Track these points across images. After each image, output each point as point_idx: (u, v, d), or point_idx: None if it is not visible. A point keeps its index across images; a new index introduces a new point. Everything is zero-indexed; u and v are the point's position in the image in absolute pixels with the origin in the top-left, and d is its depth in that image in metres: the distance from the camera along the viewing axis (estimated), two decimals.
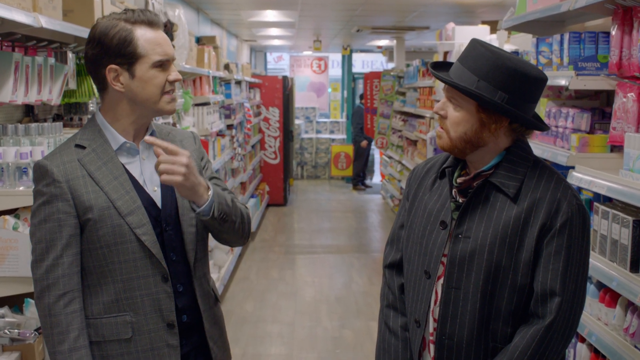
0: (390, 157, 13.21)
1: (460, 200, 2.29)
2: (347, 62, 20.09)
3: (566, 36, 3.45)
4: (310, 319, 6.92)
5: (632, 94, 3.01)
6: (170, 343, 2.35)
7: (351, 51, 19.23)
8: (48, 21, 2.87)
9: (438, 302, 2.29)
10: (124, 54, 2.24)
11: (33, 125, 2.96)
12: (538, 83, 2.18)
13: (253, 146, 12.40)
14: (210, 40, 9.09)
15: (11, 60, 2.82)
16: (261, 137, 13.68)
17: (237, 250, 8.77)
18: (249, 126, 11.24)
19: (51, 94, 3.25)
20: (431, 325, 2.32)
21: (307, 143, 17.67)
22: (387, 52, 18.69)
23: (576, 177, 3.20)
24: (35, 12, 2.84)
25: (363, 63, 24.55)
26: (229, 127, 9.59)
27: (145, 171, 2.37)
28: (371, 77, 15.01)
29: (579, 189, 3.43)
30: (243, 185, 10.75)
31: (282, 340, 6.35)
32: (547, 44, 3.76)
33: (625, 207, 2.98)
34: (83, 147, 2.30)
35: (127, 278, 2.29)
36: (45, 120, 3.82)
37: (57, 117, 4.00)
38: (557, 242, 2.15)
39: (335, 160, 16.81)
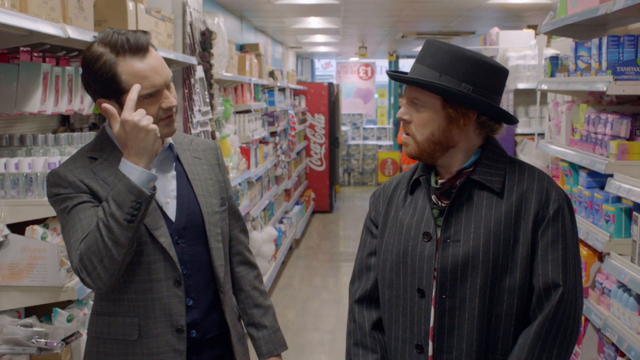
0: None
1: (443, 204, 2.16)
2: (393, 68, 20.02)
3: (604, 40, 3.35)
4: None
5: None
6: (176, 348, 2.29)
7: (397, 57, 19.15)
8: (76, 32, 2.87)
9: (434, 317, 2.14)
10: (109, 90, 2.15)
11: (62, 135, 2.98)
12: (500, 73, 2.12)
13: (298, 153, 12.40)
14: (253, 47, 9.11)
15: (39, 71, 2.84)
16: (307, 143, 13.68)
17: (280, 257, 8.76)
18: (293, 133, 11.24)
19: (82, 104, 3.26)
20: (430, 347, 2.15)
21: (353, 149, 17.64)
22: None
23: (614, 185, 3.11)
24: (64, 23, 2.85)
25: None
26: (273, 134, 9.61)
27: (158, 183, 2.25)
28: None
29: (618, 198, 3.32)
30: (287, 192, 10.75)
31: (322, 348, 6.30)
32: (585, 48, 3.66)
33: None
34: (95, 159, 2.25)
35: (140, 280, 2.25)
36: (81, 130, 3.84)
37: (93, 126, 4.03)
38: (552, 231, 2.08)
39: (382, 166, 16.72)
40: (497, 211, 2.09)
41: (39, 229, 2.81)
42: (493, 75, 2.10)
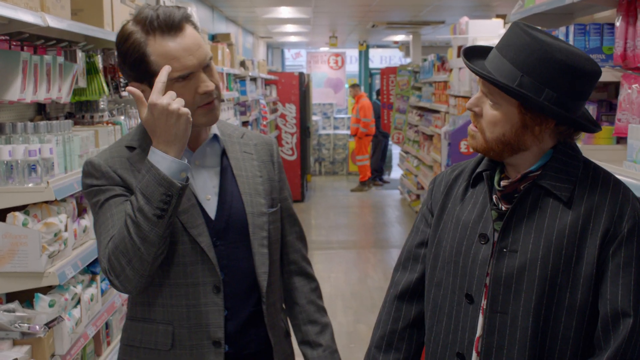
0: (407, 152, 13.22)
1: (504, 208, 1.96)
2: (363, 57, 20.11)
3: (571, 28, 3.45)
4: None
5: (636, 85, 3.00)
6: None
7: (368, 47, 19.29)
8: (55, 20, 2.91)
9: (483, 331, 1.94)
10: (140, 72, 2.00)
11: (42, 123, 3.01)
12: (592, 78, 1.86)
13: None
14: (225, 37, 9.15)
15: (19, 60, 2.87)
16: (278, 133, 13.73)
17: None
18: (264, 122, 11.30)
19: (60, 92, 3.29)
20: (473, 358, 1.96)
21: (324, 139, 17.72)
22: (404, 47, 18.69)
23: None
24: (42, 12, 2.88)
25: (381, 58, 24.56)
26: (245, 123, 9.66)
27: (198, 177, 2.13)
28: (387, 73, 15.03)
29: None
30: None
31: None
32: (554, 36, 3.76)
33: None
34: (133, 148, 2.10)
35: (175, 284, 2.08)
36: (57, 119, 3.87)
37: (69, 115, 4.06)
38: (625, 252, 1.84)
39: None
40: (562, 222, 1.88)
41: (20, 216, 2.84)
42: (583, 81, 1.85)
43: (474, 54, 2.00)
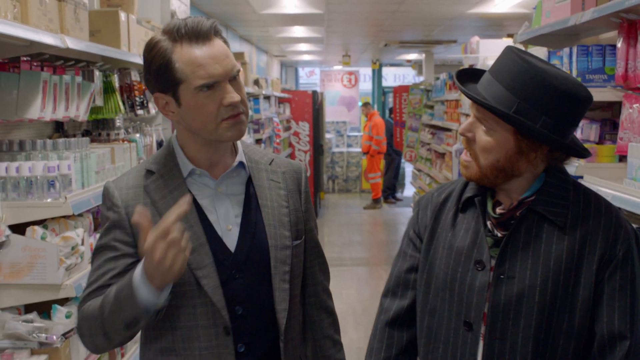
0: (419, 170, 13.28)
1: (500, 234, 1.94)
2: (377, 76, 20.23)
3: (574, 49, 3.53)
4: None
5: (637, 104, 3.08)
6: None
7: (381, 65, 19.40)
8: (74, 42, 3.02)
9: (482, 358, 1.93)
10: (164, 80, 1.94)
11: (60, 140, 3.12)
12: (586, 104, 1.88)
13: None
14: (239, 56, 9.27)
15: (39, 80, 2.98)
16: (291, 151, 13.83)
17: None
18: (278, 140, 11.40)
19: (78, 111, 3.41)
20: None
21: (338, 157, 17.78)
22: (417, 65, 18.79)
23: None
24: (62, 34, 3.00)
25: (395, 77, 24.67)
26: (258, 141, 9.77)
27: (220, 206, 2.04)
28: (400, 91, 15.12)
29: None
30: None
31: None
32: (558, 57, 3.84)
33: (630, 215, 3.06)
34: (152, 173, 2.04)
35: (186, 326, 2.00)
36: (74, 136, 3.98)
37: (86, 133, 4.17)
38: (621, 275, 1.87)
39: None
40: (558, 248, 1.89)
41: (38, 230, 2.94)
42: (578, 107, 1.86)
43: (467, 77, 1.99)
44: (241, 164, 2.09)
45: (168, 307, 1.94)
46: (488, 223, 1.97)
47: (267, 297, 2.04)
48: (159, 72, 1.94)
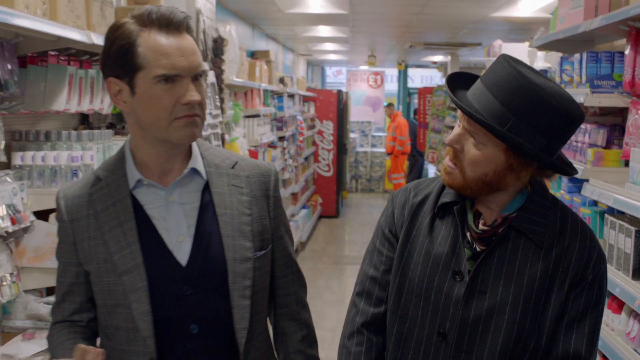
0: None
1: (479, 249, 1.89)
2: (402, 77, 20.29)
3: (584, 55, 3.62)
4: None
5: None
6: None
7: (406, 66, 19.44)
8: (99, 38, 3.16)
9: None
10: (122, 63, 1.78)
11: (84, 132, 3.26)
12: (578, 123, 1.83)
13: (306, 158, 12.67)
14: (264, 54, 9.40)
15: (66, 73, 3.13)
16: (315, 149, 13.95)
17: None
18: (301, 138, 11.52)
19: (102, 104, 3.55)
20: None
21: (361, 157, 17.87)
22: (442, 67, 18.83)
23: (589, 189, 3.37)
24: (88, 30, 3.14)
25: (422, 78, 24.65)
26: (281, 139, 9.89)
27: (171, 216, 1.89)
28: (424, 93, 15.18)
29: (595, 202, 3.59)
30: (294, 196, 11.02)
31: (322, 344, 6.53)
32: (569, 63, 3.93)
33: (632, 219, 3.14)
34: (100, 180, 1.93)
35: (121, 350, 1.90)
36: (99, 128, 4.12)
37: (110, 126, 4.31)
38: (586, 298, 1.86)
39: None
40: (533, 267, 1.85)
41: None
42: (571, 126, 1.81)
43: (458, 83, 1.94)
44: (194, 170, 1.93)
45: (107, 326, 1.90)
46: (467, 234, 1.91)
47: (226, 314, 1.90)
48: (119, 55, 1.78)
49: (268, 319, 2.12)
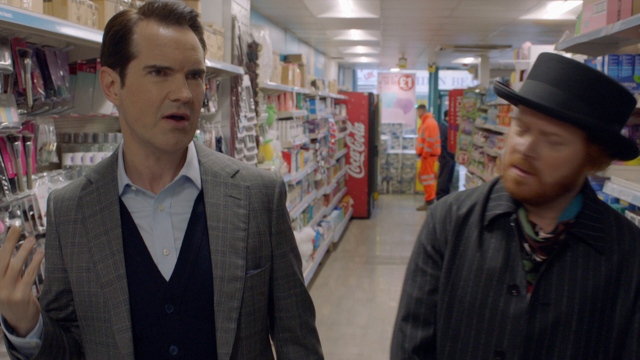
0: (472, 173, 13.46)
1: (539, 259, 1.81)
2: (433, 79, 20.40)
3: (606, 58, 3.75)
4: (383, 323, 7.27)
5: None
6: None
7: (437, 69, 19.56)
8: None
9: None
10: (116, 51, 1.67)
11: None
12: (635, 106, 1.81)
13: (338, 160, 12.84)
14: (296, 58, 9.59)
15: None
16: (346, 151, 14.10)
17: (317, 259, 9.21)
18: (333, 140, 11.69)
19: None
20: None
21: (393, 158, 17.98)
22: (473, 69, 18.91)
23: (610, 187, 3.50)
24: None
25: (453, 80, 24.77)
26: (313, 141, 10.07)
27: (158, 227, 1.74)
28: (455, 95, 15.30)
29: (617, 199, 3.71)
30: (326, 197, 11.19)
31: (354, 341, 6.73)
32: (592, 65, 4.06)
33: None
34: (91, 183, 1.80)
35: None
36: None
37: None
38: None
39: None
40: (597, 274, 1.78)
41: None
42: (632, 109, 1.80)
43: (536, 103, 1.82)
44: (185, 178, 1.78)
45: (87, 340, 1.79)
46: (526, 246, 1.83)
47: (208, 337, 1.75)
48: (113, 41, 1.68)
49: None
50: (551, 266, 1.80)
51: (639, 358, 1.79)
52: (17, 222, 2.63)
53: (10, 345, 1.71)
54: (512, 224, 1.85)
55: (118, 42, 1.67)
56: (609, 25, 3.64)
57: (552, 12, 9.07)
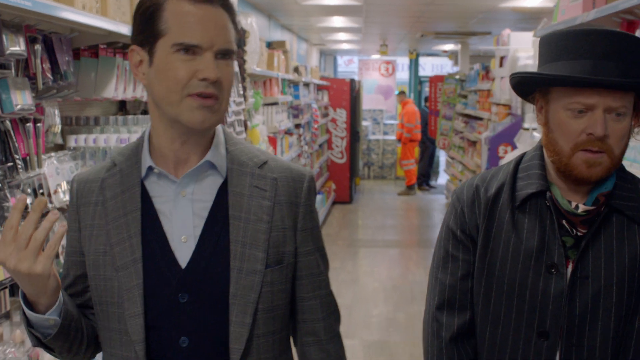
0: (452, 158, 13.68)
1: (580, 233, 1.80)
2: (414, 65, 20.60)
3: None
4: (367, 303, 7.49)
5: None
6: None
7: (417, 55, 19.74)
8: None
9: None
10: (146, 28, 1.62)
11: (129, 117, 3.64)
12: None
13: (320, 145, 13.00)
14: (280, 45, 9.74)
15: (114, 64, 3.49)
16: (328, 137, 14.24)
17: None
18: (316, 126, 11.86)
19: (143, 92, 3.91)
20: None
21: (374, 144, 18.11)
22: (453, 56, 19.12)
23: None
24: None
25: (433, 66, 24.95)
26: (297, 126, 10.24)
27: (178, 212, 1.69)
28: (435, 81, 15.50)
29: None
30: None
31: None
32: None
33: None
34: (115, 165, 1.76)
35: (117, 355, 1.73)
36: (135, 114, 4.49)
37: (144, 112, 4.68)
38: None
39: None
40: (633, 243, 1.79)
41: None
42: None
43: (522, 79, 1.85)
44: (209, 164, 1.72)
45: (101, 328, 1.76)
46: (564, 222, 1.81)
47: (221, 330, 1.68)
48: (143, 18, 1.64)
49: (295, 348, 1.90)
50: (594, 238, 1.79)
51: None
52: (29, 200, 2.79)
53: (28, 323, 1.67)
54: (548, 203, 1.82)
55: (148, 19, 1.62)
56: (584, 14, 3.83)
57: (531, 0, 9.28)
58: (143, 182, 1.72)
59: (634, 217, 1.79)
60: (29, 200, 2.78)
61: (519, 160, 1.94)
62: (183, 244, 1.68)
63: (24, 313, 1.67)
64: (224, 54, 1.64)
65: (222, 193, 1.71)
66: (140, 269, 1.67)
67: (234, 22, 1.70)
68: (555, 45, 1.78)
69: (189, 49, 1.60)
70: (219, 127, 1.77)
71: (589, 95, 1.71)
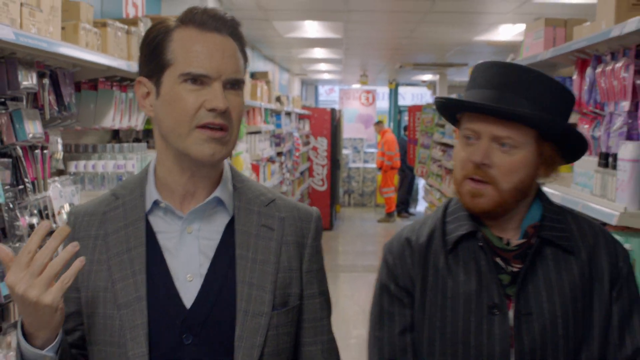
0: (431, 186, 13.97)
1: (515, 268, 1.75)
2: (393, 95, 20.97)
3: None
4: (347, 325, 7.71)
5: (587, 125, 3.84)
6: None
7: (397, 85, 20.08)
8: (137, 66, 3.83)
9: None
10: (152, 59, 1.60)
11: (125, 144, 3.93)
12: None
13: (302, 173, 13.22)
14: (263, 75, 10.04)
15: (112, 96, 3.79)
16: (309, 165, 14.46)
17: None
18: (297, 154, 12.12)
19: (137, 122, 4.21)
20: None
21: (354, 172, 18.23)
22: (432, 86, 19.51)
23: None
24: (129, 60, 3.80)
25: (413, 96, 25.29)
26: (279, 154, 10.49)
27: (184, 250, 1.63)
28: (414, 110, 15.83)
29: None
30: None
31: None
32: None
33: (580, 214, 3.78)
34: (117, 198, 1.70)
35: None
36: (127, 141, 4.78)
37: (135, 140, 4.97)
38: (628, 292, 1.78)
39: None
40: (570, 274, 1.75)
41: None
42: (573, 105, 1.81)
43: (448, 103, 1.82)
44: (218, 200, 1.67)
45: None
46: (498, 260, 1.77)
47: None
48: (150, 49, 1.61)
49: None
50: (532, 273, 1.75)
51: (620, 349, 1.76)
52: (35, 220, 3.07)
53: (22, 356, 1.55)
54: (481, 243, 1.78)
55: (154, 50, 1.59)
56: (544, 51, 4.18)
57: (504, 34, 9.64)
58: (147, 217, 1.67)
59: (567, 247, 1.76)
60: (35, 220, 3.06)
61: (447, 204, 1.92)
62: (188, 282, 1.61)
63: (18, 346, 1.56)
64: (233, 84, 1.61)
65: (229, 231, 1.66)
66: (144, 308, 1.59)
67: (243, 52, 1.67)
68: (473, 75, 1.81)
69: (197, 79, 1.56)
70: (226, 162, 1.73)
71: (475, 123, 1.72)
